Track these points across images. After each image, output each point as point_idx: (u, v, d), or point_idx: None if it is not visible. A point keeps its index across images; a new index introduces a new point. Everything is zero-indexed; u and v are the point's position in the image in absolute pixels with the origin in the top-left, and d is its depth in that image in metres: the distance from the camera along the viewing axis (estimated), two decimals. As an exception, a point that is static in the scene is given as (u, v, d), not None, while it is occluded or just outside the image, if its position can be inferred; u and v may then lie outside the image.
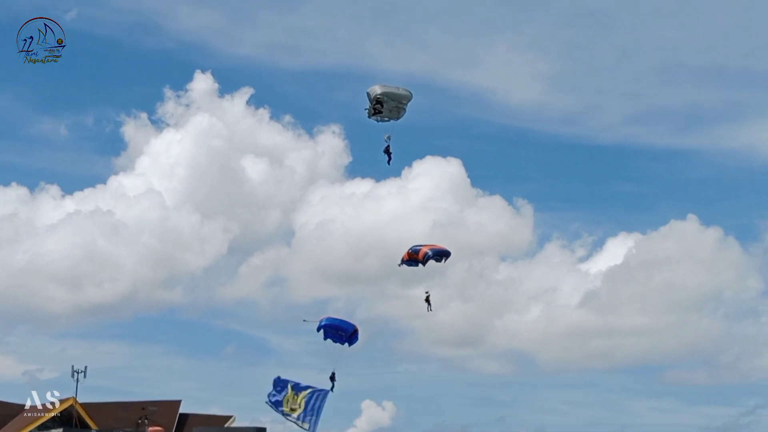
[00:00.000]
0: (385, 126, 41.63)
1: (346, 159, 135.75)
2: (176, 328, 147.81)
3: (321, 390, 44.34)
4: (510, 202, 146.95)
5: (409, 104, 40.60)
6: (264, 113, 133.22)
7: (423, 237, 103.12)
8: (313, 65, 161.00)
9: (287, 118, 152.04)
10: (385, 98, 40.02)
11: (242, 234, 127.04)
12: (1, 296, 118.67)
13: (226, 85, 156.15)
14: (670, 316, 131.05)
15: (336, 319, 44.73)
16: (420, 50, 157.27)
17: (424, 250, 44.16)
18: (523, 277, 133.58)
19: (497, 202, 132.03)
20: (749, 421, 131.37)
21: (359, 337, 44.60)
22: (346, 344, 44.24)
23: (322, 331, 44.15)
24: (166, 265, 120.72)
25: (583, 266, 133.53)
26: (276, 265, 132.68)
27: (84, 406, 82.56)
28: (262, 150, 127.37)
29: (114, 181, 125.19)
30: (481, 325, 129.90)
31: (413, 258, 44.57)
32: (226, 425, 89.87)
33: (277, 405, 43.33)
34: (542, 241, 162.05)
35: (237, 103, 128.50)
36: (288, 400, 43.26)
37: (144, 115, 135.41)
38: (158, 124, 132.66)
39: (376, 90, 40.18)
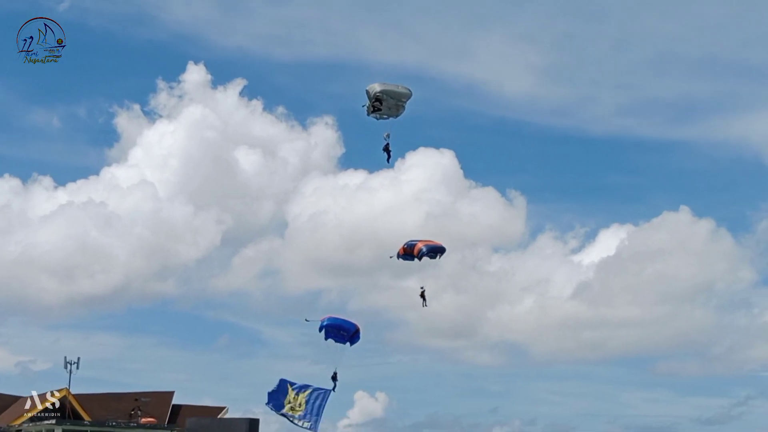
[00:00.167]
0: (384, 123, 41.67)
1: (339, 150, 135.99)
2: (169, 320, 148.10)
3: (322, 390, 44.25)
4: (503, 193, 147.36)
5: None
6: (257, 104, 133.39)
7: (416, 228, 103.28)
8: (307, 57, 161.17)
9: (280, 109, 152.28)
10: (385, 96, 40.05)
11: (235, 225, 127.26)
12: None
13: (219, 76, 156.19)
14: (662, 308, 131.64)
15: (338, 319, 44.54)
16: (413, 42, 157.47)
17: (419, 246, 44.18)
18: (516, 269, 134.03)
19: (490, 193, 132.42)
20: (741, 412, 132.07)
21: (360, 336, 44.41)
22: (348, 344, 44.07)
23: (323, 330, 43.87)
24: (159, 256, 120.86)
25: (576, 258, 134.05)
26: (269, 257, 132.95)
27: (77, 397, 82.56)
28: (255, 141, 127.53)
29: (107, 173, 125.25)
30: (474, 317, 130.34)
31: (408, 253, 44.65)
32: (218, 416, 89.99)
33: (278, 408, 43.24)
34: (535, 232, 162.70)
35: (230, 94, 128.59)
36: (289, 401, 43.24)
37: (137, 107, 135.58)
38: (151, 116, 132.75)
39: (376, 88, 40.20)
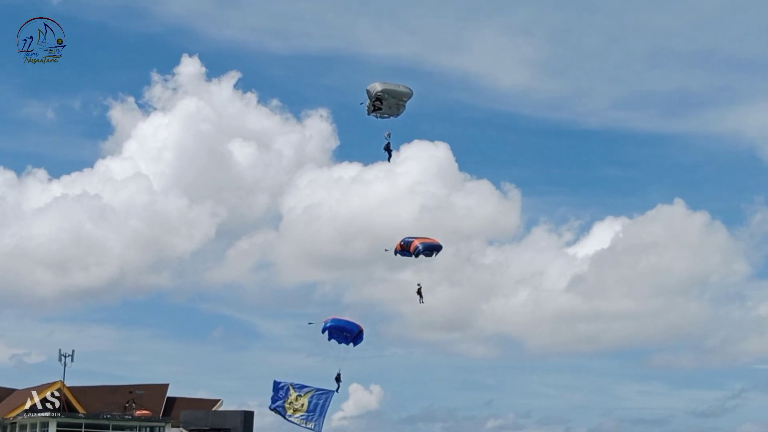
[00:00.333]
0: (384, 123, 41.70)
1: (334, 143, 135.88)
2: (164, 312, 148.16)
3: (326, 390, 44.15)
4: (497, 186, 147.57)
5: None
6: (252, 97, 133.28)
7: (411, 221, 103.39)
8: (301, 49, 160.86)
9: (275, 102, 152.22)
10: (386, 95, 39.99)
11: (230, 218, 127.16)
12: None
13: (214, 69, 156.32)
14: (656, 300, 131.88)
15: (341, 320, 44.40)
16: (408, 34, 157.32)
17: (416, 243, 44.28)
18: (511, 261, 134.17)
19: (485, 186, 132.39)
20: (735, 405, 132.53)
21: (364, 337, 44.37)
22: (351, 344, 44.03)
23: (326, 332, 43.80)
24: (154, 249, 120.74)
25: (570, 250, 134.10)
26: (264, 249, 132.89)
27: (71, 389, 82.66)
28: (250, 134, 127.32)
29: (101, 165, 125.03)
30: (469, 309, 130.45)
31: (405, 249, 44.80)
32: (213, 409, 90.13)
33: (281, 409, 43.19)
34: (529, 225, 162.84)
35: (224, 87, 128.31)
36: (291, 402, 43.20)
37: (131, 99, 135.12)
38: (145, 108, 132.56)
39: (377, 87, 40.12)
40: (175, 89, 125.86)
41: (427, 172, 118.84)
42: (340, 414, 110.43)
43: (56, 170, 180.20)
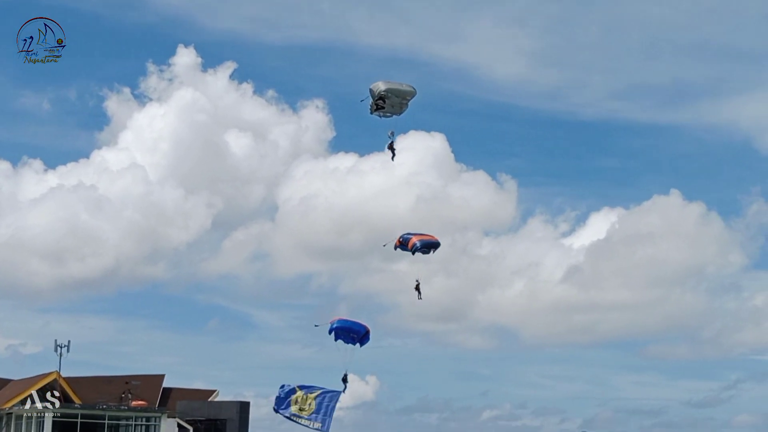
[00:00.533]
0: (386, 120, 41.60)
1: (330, 134, 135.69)
2: (159, 303, 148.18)
3: (333, 391, 44.13)
4: (493, 177, 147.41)
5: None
6: (247, 88, 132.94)
7: (407, 212, 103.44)
8: (297, 39, 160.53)
9: (270, 92, 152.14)
10: (389, 94, 39.79)
11: (226, 209, 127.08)
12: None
13: (209, 59, 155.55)
14: (652, 291, 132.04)
15: (348, 321, 44.29)
16: (403, 25, 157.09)
17: (414, 240, 44.39)
18: (507, 252, 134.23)
19: (481, 177, 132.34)
20: (730, 395, 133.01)
21: (370, 337, 44.39)
22: (358, 345, 44.05)
23: (332, 333, 43.78)
24: (150, 239, 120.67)
25: (566, 241, 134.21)
26: (259, 240, 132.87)
27: (67, 380, 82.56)
28: (246, 125, 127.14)
29: (97, 156, 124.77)
30: (465, 300, 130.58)
31: (404, 245, 44.92)
32: (209, 400, 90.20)
33: (285, 409, 43.10)
34: (525, 216, 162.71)
35: (220, 77, 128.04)
36: (297, 401, 43.14)
37: (127, 90, 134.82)
38: (141, 99, 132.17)
39: (380, 86, 39.95)
40: (170, 80, 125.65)
41: (423, 162, 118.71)
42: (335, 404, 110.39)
43: (52, 161, 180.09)
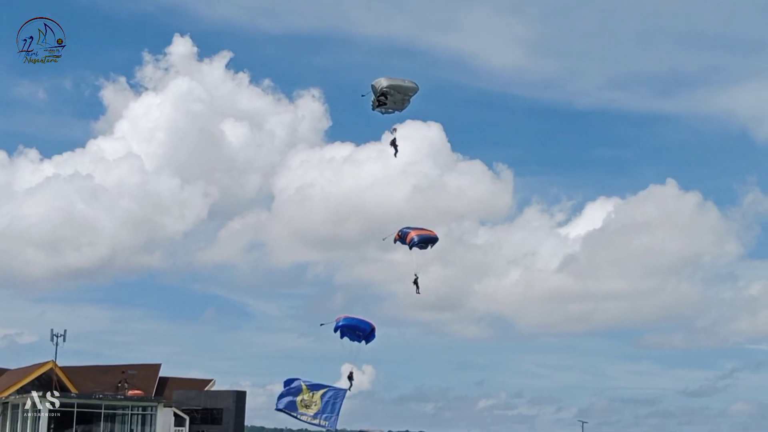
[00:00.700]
0: (389, 116, 41.54)
1: (326, 123, 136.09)
2: (156, 293, 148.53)
3: (339, 389, 44.45)
4: (490, 166, 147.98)
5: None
6: (243, 77, 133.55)
7: (403, 201, 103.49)
8: (293, 29, 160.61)
9: (267, 82, 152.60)
10: (391, 91, 39.77)
11: (222, 198, 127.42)
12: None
13: (205, 48, 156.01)
14: (648, 281, 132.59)
15: (353, 319, 44.51)
16: (400, 14, 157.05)
17: (412, 235, 44.61)
18: (503, 242, 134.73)
19: (477, 166, 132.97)
20: (726, 384, 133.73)
21: (376, 335, 44.59)
22: (363, 342, 44.28)
23: (338, 331, 43.94)
24: (146, 229, 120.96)
25: (562, 230, 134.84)
26: (256, 230, 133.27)
27: (63, 369, 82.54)
28: (242, 114, 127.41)
29: (93, 145, 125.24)
30: (461, 290, 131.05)
31: (403, 239, 45.09)
32: (205, 389, 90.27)
33: (290, 407, 43.17)
34: (522, 205, 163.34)
35: (216, 66, 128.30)
36: (303, 399, 43.29)
37: (123, 79, 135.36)
38: (137, 88, 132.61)
39: (382, 83, 39.89)
40: (166, 69, 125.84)
41: (420, 152, 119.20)
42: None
43: (48, 150, 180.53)
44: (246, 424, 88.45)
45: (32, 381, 79.84)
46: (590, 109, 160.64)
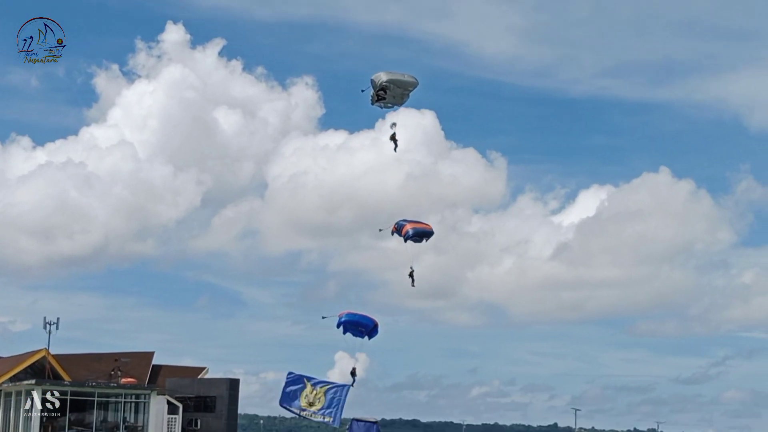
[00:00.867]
0: (388, 109, 41.46)
1: (320, 111, 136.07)
2: (149, 280, 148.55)
3: (342, 385, 44.73)
4: (483, 154, 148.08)
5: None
6: (236, 65, 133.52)
7: (396, 189, 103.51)
8: (286, 16, 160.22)
9: (260, 69, 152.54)
10: (391, 85, 39.84)
11: (215, 186, 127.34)
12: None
13: (198, 36, 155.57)
14: (641, 268, 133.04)
15: (356, 315, 44.68)
16: (393, 1, 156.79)
17: (407, 228, 44.81)
18: (496, 230, 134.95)
19: (471, 154, 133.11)
20: (719, 372, 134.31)
21: (379, 330, 44.74)
22: (366, 338, 44.47)
23: (341, 327, 44.01)
24: (139, 217, 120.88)
25: (556, 218, 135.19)
26: (249, 217, 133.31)
27: (56, 357, 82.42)
28: (235, 102, 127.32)
29: (86, 133, 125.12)
30: (454, 277, 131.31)
31: (398, 231, 45.21)
32: (199, 377, 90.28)
33: (294, 404, 43.26)
34: (515, 193, 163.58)
35: (209, 54, 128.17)
36: (306, 395, 43.48)
37: (115, 67, 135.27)
38: (130, 76, 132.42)
39: (382, 77, 39.88)
40: (159, 57, 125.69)
41: (414, 140, 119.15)
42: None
43: (40, 138, 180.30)
44: (239, 411, 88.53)
45: (25, 369, 79.70)
46: (584, 97, 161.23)
